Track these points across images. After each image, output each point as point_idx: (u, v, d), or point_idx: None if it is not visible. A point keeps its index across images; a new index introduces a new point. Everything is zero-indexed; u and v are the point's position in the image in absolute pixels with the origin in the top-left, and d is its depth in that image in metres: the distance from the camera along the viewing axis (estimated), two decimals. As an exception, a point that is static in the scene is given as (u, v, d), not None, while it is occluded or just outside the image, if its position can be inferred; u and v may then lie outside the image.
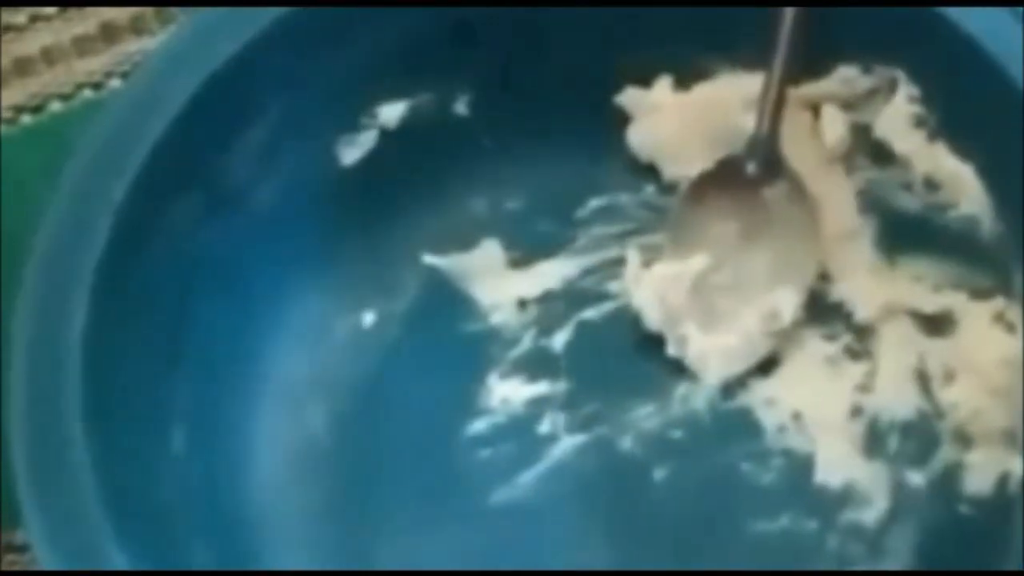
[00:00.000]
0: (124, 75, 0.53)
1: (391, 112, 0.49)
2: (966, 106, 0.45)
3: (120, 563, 0.40)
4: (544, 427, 0.48)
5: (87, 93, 0.54)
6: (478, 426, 0.49)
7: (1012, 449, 0.45)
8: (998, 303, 0.46)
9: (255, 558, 0.46)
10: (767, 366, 0.48)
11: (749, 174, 0.48)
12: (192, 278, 0.46)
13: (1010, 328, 0.46)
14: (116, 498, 0.41)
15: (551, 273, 0.50)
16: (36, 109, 0.53)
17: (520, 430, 0.48)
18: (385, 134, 0.49)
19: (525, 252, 0.50)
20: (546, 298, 0.50)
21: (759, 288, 0.49)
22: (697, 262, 0.49)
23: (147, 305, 0.45)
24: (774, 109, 0.47)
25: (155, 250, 0.45)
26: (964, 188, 0.46)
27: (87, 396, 0.42)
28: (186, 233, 0.46)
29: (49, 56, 0.54)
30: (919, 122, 0.46)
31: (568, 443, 0.48)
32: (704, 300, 0.49)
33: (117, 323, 0.44)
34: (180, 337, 0.46)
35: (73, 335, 0.42)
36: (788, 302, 0.48)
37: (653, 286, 0.49)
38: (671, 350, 0.49)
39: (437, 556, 0.47)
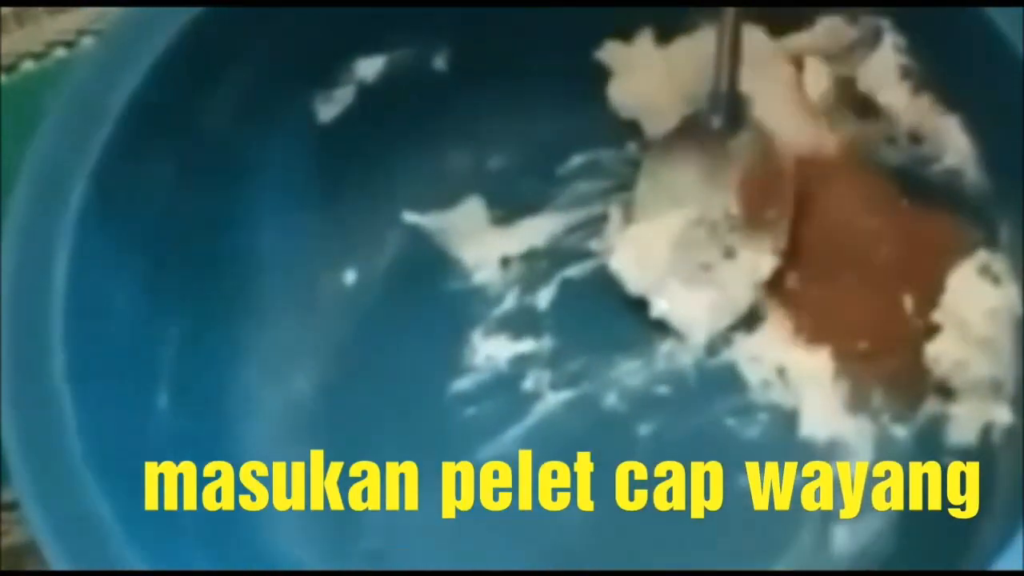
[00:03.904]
0: (97, 33, 0.52)
1: (368, 67, 0.48)
2: (953, 55, 0.45)
3: (111, 525, 0.40)
4: (529, 384, 0.48)
5: (60, 52, 0.53)
6: (463, 384, 0.48)
7: (995, 400, 0.46)
8: (982, 256, 0.46)
9: (241, 520, 0.45)
10: (752, 322, 0.48)
11: (713, 128, 0.48)
12: (171, 238, 0.46)
13: (995, 280, 0.46)
14: (102, 458, 0.41)
15: (534, 230, 0.50)
16: (9, 69, 0.53)
17: (505, 387, 0.48)
18: (363, 90, 0.48)
19: (508, 210, 0.50)
20: (529, 256, 0.50)
21: (736, 241, 0.48)
22: (672, 220, 0.48)
23: (127, 267, 0.45)
24: (731, 61, 0.47)
25: (133, 210, 0.45)
26: (949, 140, 0.46)
27: (70, 358, 0.42)
28: (163, 193, 0.45)
29: (20, 15, 0.53)
30: (905, 73, 0.46)
31: (553, 400, 0.48)
32: (683, 258, 0.49)
33: (97, 286, 0.43)
34: (161, 300, 0.45)
35: (55, 296, 0.42)
36: (767, 252, 0.48)
37: (630, 250, 0.48)
38: (655, 312, 0.48)
39: (423, 516, 0.47)
